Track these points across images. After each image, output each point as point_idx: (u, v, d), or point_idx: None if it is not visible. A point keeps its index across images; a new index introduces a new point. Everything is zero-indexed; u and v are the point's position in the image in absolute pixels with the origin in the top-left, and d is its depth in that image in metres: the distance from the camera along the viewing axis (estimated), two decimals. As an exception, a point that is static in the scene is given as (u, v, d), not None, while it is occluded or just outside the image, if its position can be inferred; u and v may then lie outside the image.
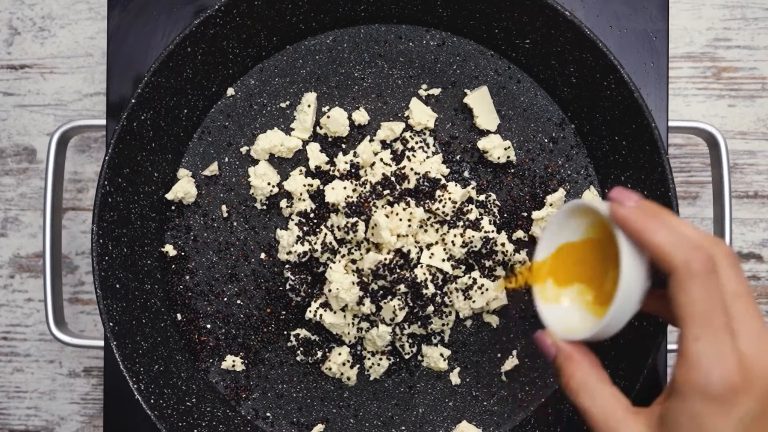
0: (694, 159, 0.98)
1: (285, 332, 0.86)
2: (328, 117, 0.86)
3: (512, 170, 0.87)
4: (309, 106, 0.86)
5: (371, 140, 0.86)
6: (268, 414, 0.86)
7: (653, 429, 0.60)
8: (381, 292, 0.82)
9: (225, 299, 0.87)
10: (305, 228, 0.84)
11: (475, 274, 0.83)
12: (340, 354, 0.85)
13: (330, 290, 0.81)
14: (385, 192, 0.82)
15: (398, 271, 0.81)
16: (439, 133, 0.87)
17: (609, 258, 0.66)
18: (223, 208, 0.87)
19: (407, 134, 0.86)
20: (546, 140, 0.87)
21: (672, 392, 0.59)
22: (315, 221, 0.84)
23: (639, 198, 0.62)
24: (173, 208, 0.87)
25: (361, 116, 0.86)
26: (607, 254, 0.66)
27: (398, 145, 0.86)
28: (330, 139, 0.87)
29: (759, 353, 0.57)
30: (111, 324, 0.79)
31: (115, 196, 0.80)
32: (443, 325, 0.84)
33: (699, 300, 0.57)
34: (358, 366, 0.86)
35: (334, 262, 0.82)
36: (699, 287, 0.57)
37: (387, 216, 0.80)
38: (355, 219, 0.81)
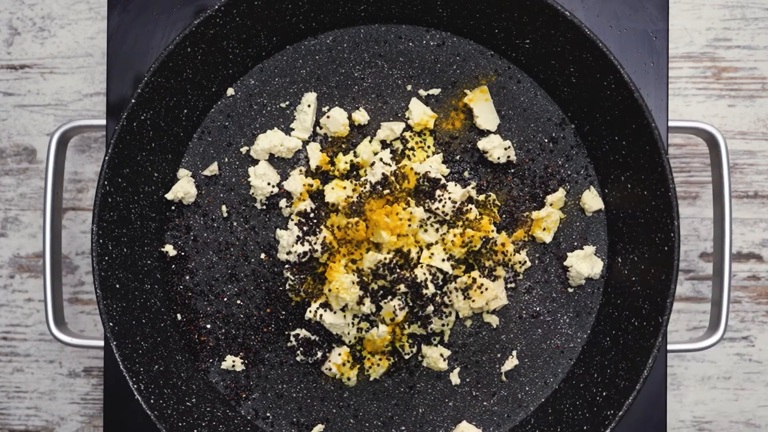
0: (694, 159, 0.98)
1: (285, 332, 0.86)
2: (328, 117, 0.86)
3: (512, 170, 0.87)
4: (309, 106, 0.86)
5: (371, 140, 0.86)
6: (268, 414, 0.86)
7: None
8: (381, 292, 0.82)
9: (225, 299, 0.87)
10: (305, 228, 0.84)
11: (475, 273, 0.83)
12: (340, 354, 0.85)
13: (330, 290, 0.81)
14: (385, 192, 0.82)
15: (398, 270, 0.81)
16: (439, 133, 0.87)
17: None
18: (223, 208, 0.87)
19: (407, 134, 0.86)
20: (546, 140, 0.87)
21: None
22: (315, 221, 0.84)
23: None
24: (173, 208, 0.87)
25: (361, 116, 0.86)
26: None
27: (398, 145, 0.86)
28: (330, 139, 0.87)
29: None
30: (111, 324, 0.79)
31: (115, 196, 0.80)
32: (443, 325, 0.84)
33: None
34: (358, 366, 0.86)
35: (334, 262, 0.82)
36: None
37: (387, 216, 0.80)
38: (356, 219, 0.81)
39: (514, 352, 0.86)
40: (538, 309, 0.87)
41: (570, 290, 0.87)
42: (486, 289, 0.83)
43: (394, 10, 0.85)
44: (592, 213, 0.87)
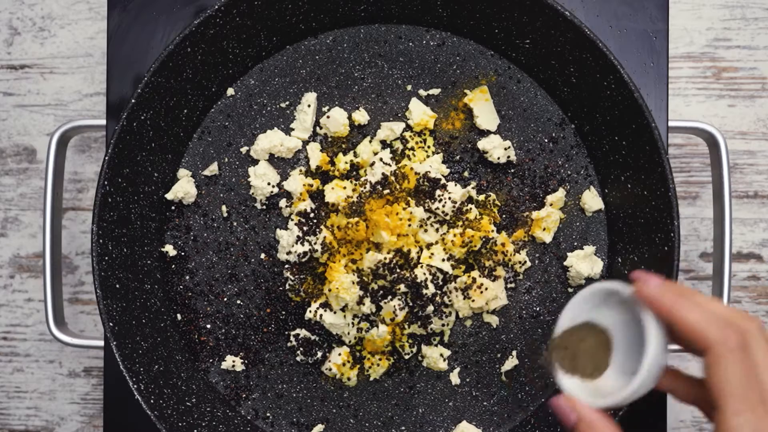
0: (694, 159, 0.98)
1: (285, 332, 0.86)
2: (328, 117, 0.86)
3: (512, 170, 0.87)
4: (309, 106, 0.86)
5: (371, 140, 0.86)
6: (268, 414, 0.86)
7: None
8: (381, 292, 0.82)
9: (225, 299, 0.87)
10: (305, 228, 0.84)
11: (475, 273, 0.83)
12: (340, 354, 0.85)
13: (330, 290, 0.81)
14: (385, 192, 0.82)
15: (398, 270, 0.81)
16: (439, 133, 0.87)
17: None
18: (223, 208, 0.87)
19: (407, 134, 0.86)
20: (546, 140, 0.87)
21: None
22: (315, 221, 0.84)
23: (661, 279, 0.65)
24: (173, 208, 0.87)
25: (361, 116, 0.86)
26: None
27: (398, 145, 0.86)
28: (330, 139, 0.87)
29: None
30: (111, 324, 0.79)
31: (115, 196, 0.80)
32: (443, 325, 0.84)
33: (736, 376, 0.60)
34: (358, 366, 0.86)
35: (334, 262, 0.82)
36: (735, 363, 0.60)
37: (387, 216, 0.80)
38: (356, 219, 0.81)
39: (514, 352, 0.86)
40: (538, 309, 0.87)
41: (570, 290, 0.87)
42: (486, 289, 0.83)
43: (394, 10, 0.85)
44: (592, 213, 0.87)
